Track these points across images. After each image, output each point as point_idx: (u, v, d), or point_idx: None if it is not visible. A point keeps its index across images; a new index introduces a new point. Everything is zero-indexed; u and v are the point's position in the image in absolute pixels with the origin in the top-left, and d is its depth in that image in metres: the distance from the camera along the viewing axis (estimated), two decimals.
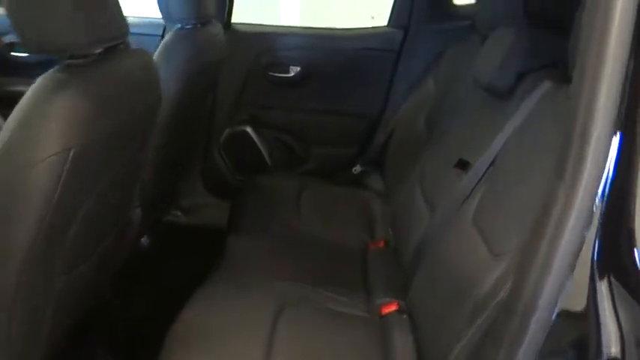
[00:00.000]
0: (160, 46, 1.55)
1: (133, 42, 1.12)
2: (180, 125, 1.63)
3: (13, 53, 2.12)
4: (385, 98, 2.12)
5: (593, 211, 0.65)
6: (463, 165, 1.22)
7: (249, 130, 2.19)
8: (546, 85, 1.08)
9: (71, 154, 0.84)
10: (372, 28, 2.14)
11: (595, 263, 0.65)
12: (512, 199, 0.99)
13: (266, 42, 2.12)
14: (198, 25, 1.62)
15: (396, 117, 2.05)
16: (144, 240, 1.53)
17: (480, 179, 1.16)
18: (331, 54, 2.12)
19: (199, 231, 2.18)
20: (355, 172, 2.13)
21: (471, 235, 1.04)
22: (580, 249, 0.64)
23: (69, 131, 0.84)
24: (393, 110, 2.08)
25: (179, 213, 2.25)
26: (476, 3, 1.68)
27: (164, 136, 1.52)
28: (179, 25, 1.61)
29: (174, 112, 1.53)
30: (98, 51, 0.95)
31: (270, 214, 1.76)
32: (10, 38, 2.09)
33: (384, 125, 2.10)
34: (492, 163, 1.15)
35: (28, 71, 1.78)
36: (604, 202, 0.65)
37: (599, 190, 0.65)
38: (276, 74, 2.12)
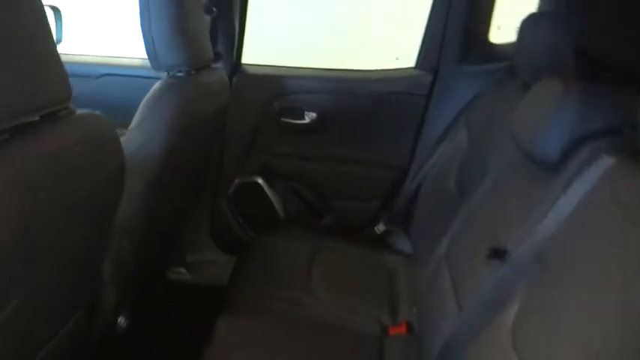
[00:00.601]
0: (145, 97, 1.36)
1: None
2: (170, 184, 1.44)
3: None
4: (412, 147, 1.88)
5: None
6: (499, 253, 0.96)
7: (260, 181, 1.99)
8: (607, 161, 0.81)
9: None
10: (398, 69, 1.91)
11: None
12: (564, 322, 0.72)
13: (279, 85, 1.92)
14: (192, 72, 1.43)
15: (425, 169, 1.80)
16: (121, 320, 1.32)
17: (521, 277, 0.90)
18: (352, 99, 1.89)
19: (205, 291, 1.98)
20: (379, 232, 1.88)
21: None
22: None
23: None
24: (422, 161, 1.83)
25: (183, 270, 2.06)
26: (516, 41, 1.42)
27: (147, 201, 1.33)
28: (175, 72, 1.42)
29: (161, 172, 1.33)
30: (16, 124, 0.75)
31: (275, 284, 1.53)
32: None
33: (412, 178, 1.84)
34: (536, 258, 0.89)
35: None
36: None
37: None
38: (290, 120, 1.92)
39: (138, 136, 1.32)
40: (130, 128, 1.34)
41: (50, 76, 0.81)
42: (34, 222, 0.78)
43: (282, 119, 1.92)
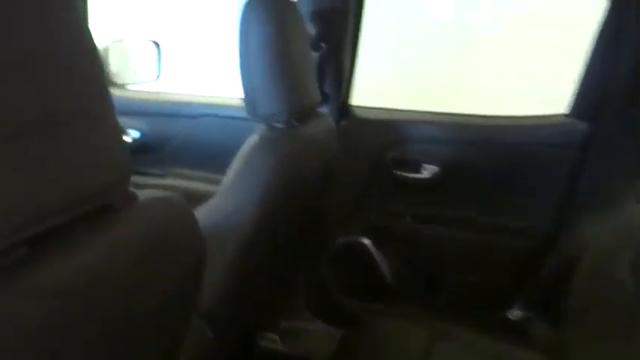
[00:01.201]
0: (240, 152, 1.13)
1: None
2: (264, 254, 1.20)
3: None
4: (560, 213, 1.50)
5: None
6: None
7: (366, 242, 1.70)
8: None
9: None
10: (544, 116, 1.54)
11: None
12: None
13: (393, 131, 1.63)
14: (295, 123, 1.18)
15: (579, 243, 1.41)
16: None
17: None
18: (483, 150, 1.56)
19: None
20: (513, 319, 1.51)
21: None
22: None
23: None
24: (574, 232, 1.45)
25: (275, 337, 1.81)
26: None
27: (235, 279, 1.09)
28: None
29: (253, 243, 1.10)
30: (44, 229, 0.51)
31: None
32: None
33: (560, 253, 1.47)
34: None
35: None
36: None
37: None
38: (405, 174, 1.62)
39: (228, 202, 1.10)
40: (220, 190, 1.12)
41: (102, 151, 0.57)
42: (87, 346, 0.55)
43: (395, 172, 1.63)
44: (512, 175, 1.53)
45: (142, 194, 0.66)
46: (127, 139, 1.91)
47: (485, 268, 1.59)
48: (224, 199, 1.12)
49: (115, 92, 2.05)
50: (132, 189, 0.65)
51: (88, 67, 0.56)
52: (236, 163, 1.13)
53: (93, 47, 0.56)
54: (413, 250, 1.67)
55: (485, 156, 1.55)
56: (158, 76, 2.02)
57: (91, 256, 0.56)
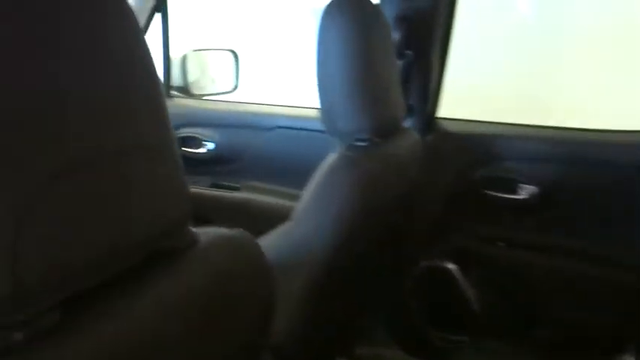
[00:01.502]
0: (317, 172, 1.03)
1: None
2: (340, 280, 1.10)
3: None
4: None
5: None
6: None
7: (452, 267, 1.55)
8: None
9: None
10: None
11: None
12: None
13: (485, 146, 1.48)
14: (377, 140, 1.06)
15: None
16: None
17: None
18: (591, 170, 1.37)
19: None
20: None
21: None
22: None
23: None
24: None
25: None
26: None
27: (307, 308, 1.01)
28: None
29: (326, 266, 1.00)
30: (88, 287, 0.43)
31: None
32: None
33: None
34: None
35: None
36: None
37: None
38: (498, 194, 1.45)
39: (304, 226, 1.02)
40: (296, 212, 1.03)
41: (161, 188, 0.48)
42: None
43: (485, 191, 1.47)
44: (627, 199, 1.33)
45: (204, 234, 0.57)
46: (201, 150, 1.87)
47: (589, 304, 1.39)
48: (300, 224, 1.03)
49: (190, 103, 2.03)
50: (192, 228, 0.56)
51: (148, 95, 0.48)
52: (313, 185, 1.04)
53: (154, 73, 0.48)
54: (504, 279, 1.50)
55: (594, 176, 1.36)
56: (236, 87, 1.97)
57: (144, 315, 0.47)
